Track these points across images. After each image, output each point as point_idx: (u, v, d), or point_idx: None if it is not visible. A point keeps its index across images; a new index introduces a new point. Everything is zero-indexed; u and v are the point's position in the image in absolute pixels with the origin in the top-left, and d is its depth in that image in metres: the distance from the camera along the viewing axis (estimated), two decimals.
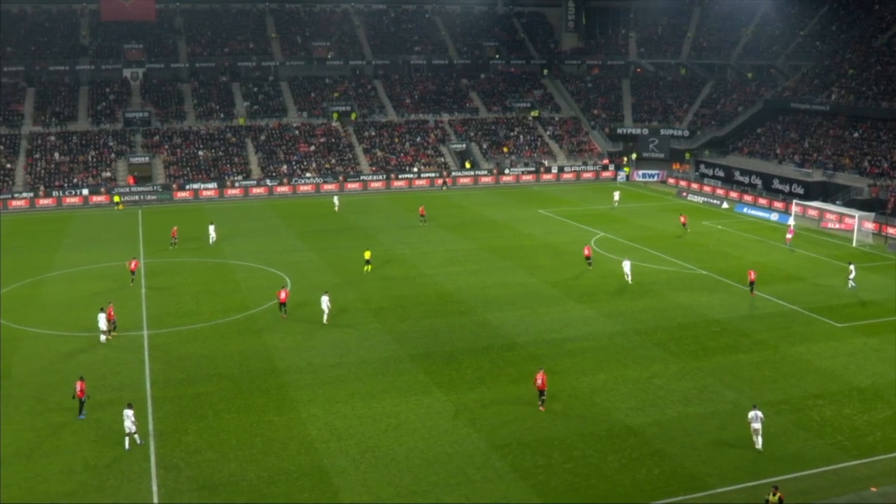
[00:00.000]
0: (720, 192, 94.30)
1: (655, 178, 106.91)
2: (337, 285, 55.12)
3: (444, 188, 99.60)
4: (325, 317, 47.60)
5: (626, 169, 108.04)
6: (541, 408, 36.16)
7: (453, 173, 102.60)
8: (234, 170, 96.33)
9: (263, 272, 58.73)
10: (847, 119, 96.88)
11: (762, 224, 79.05)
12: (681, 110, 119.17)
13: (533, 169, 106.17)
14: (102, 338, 44.29)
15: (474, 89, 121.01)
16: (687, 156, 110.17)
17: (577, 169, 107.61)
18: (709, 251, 66.33)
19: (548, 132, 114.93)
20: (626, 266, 56.55)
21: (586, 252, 61.16)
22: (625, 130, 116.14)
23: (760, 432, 32.91)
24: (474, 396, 37.50)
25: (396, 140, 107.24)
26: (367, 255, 59.94)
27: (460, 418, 35.30)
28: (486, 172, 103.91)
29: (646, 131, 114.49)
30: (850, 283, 55.65)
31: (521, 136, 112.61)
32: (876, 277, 58.66)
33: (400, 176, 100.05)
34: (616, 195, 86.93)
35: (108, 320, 44.77)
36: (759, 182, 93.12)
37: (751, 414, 33.17)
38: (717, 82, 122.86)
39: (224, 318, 48.41)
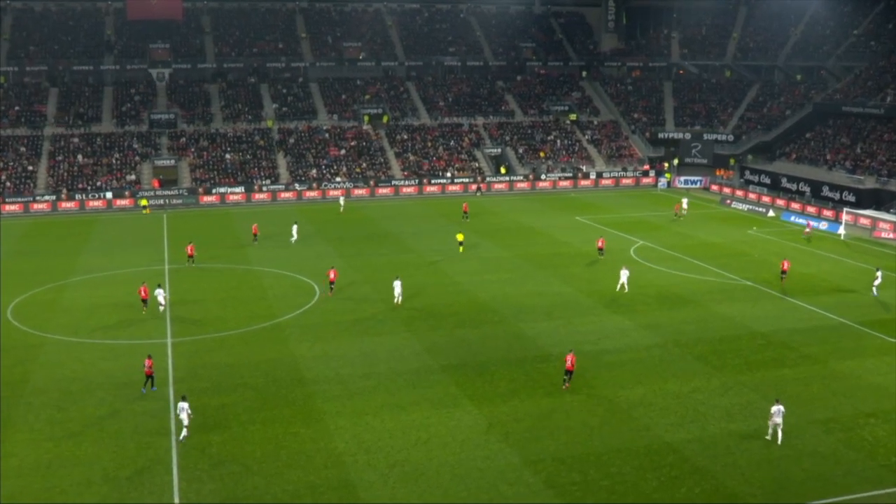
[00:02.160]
0: (766, 199, 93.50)
1: (698, 185, 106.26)
2: (367, 293, 55.24)
3: (479, 194, 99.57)
4: (397, 299, 52.69)
5: (667, 175, 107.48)
6: (564, 386, 39.56)
7: (488, 179, 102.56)
8: (262, 173, 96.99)
9: (291, 279, 58.98)
10: None
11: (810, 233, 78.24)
12: (725, 114, 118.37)
13: (570, 175, 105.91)
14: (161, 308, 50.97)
15: (510, 92, 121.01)
16: (731, 161, 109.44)
17: (617, 175, 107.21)
18: (753, 261, 65.71)
19: (586, 136, 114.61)
20: (624, 276, 56.21)
21: (599, 244, 65.31)
22: (666, 135, 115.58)
23: (781, 427, 34.09)
24: (507, 410, 37.40)
25: (429, 144, 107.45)
26: (461, 237, 68.44)
27: (493, 432, 35.21)
28: (521, 178, 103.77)
29: (688, 136, 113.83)
30: (874, 291, 55.44)
31: (559, 141, 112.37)
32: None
33: (433, 181, 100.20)
34: (684, 202, 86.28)
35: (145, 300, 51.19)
36: (807, 189, 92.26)
37: (773, 409, 34.28)
38: (764, 85, 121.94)
39: (250, 326, 48.67)
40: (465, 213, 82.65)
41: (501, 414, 36.96)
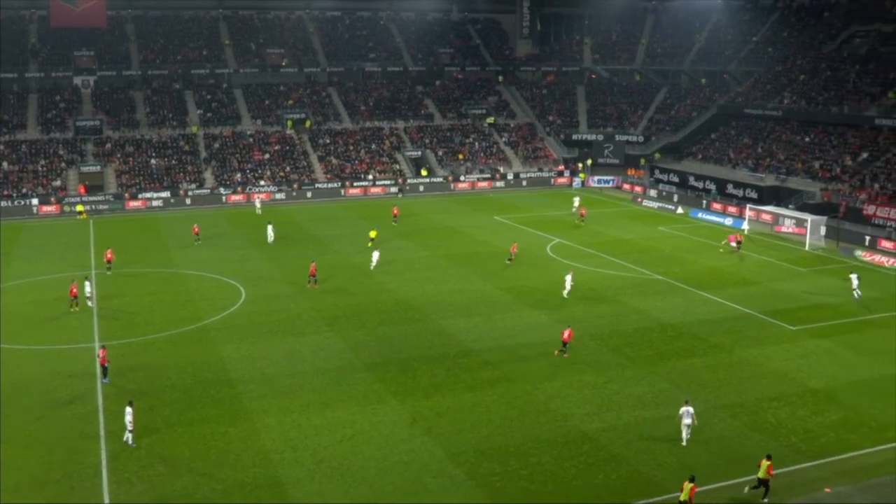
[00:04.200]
0: (675, 197, 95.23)
1: (611, 184, 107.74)
2: (289, 295, 54.82)
3: (400, 195, 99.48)
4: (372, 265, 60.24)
5: (581, 175, 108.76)
6: (556, 353, 43.25)
7: (409, 180, 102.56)
8: (188, 178, 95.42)
9: (216, 282, 58.18)
10: (798, 124, 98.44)
11: (717, 229, 79.95)
12: (635, 116, 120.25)
13: (489, 175, 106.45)
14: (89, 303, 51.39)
15: (429, 96, 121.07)
16: (642, 161, 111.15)
17: (533, 175, 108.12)
18: (664, 256, 66.91)
19: (503, 139, 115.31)
20: (568, 281, 55.30)
21: (512, 249, 65.05)
22: (580, 136, 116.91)
23: (690, 428, 33.74)
24: (430, 404, 37.44)
25: (351, 147, 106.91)
26: (373, 234, 68.57)
27: (416, 427, 35.21)
28: (441, 179, 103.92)
29: (601, 137, 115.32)
30: (855, 293, 55.05)
31: (477, 143, 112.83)
32: (828, 281, 59.56)
33: (355, 184, 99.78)
34: (576, 201, 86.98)
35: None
36: (713, 187, 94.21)
37: (682, 409, 33.89)
38: (672, 88, 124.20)
39: (177, 328, 47.84)
40: (395, 216, 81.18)
41: (424, 409, 36.98)
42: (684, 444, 33.61)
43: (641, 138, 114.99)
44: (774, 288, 57.51)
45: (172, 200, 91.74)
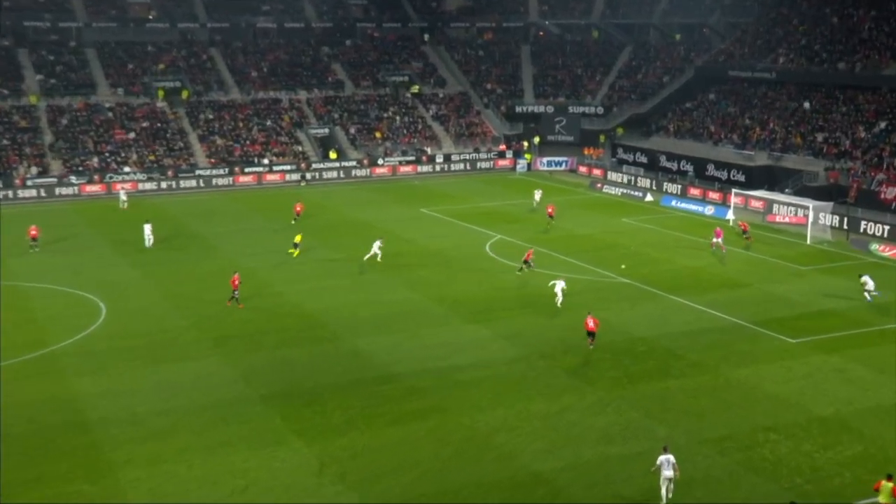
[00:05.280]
0: (643, 181, 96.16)
1: (563, 167, 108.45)
2: (164, 311, 53.93)
3: (303, 184, 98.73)
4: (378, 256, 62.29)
5: (527, 156, 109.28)
6: (590, 346, 46.94)
7: (314, 165, 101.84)
8: (26, 163, 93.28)
9: (67, 296, 56.94)
10: (797, 88, 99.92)
11: (694, 219, 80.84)
12: (593, 82, 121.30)
13: (413, 158, 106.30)
14: None
15: (338, 59, 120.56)
16: (601, 138, 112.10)
17: (468, 157, 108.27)
18: (630, 254, 67.34)
19: (430, 112, 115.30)
20: (559, 287, 54.07)
21: (527, 256, 61.70)
22: (525, 108, 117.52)
23: (673, 482, 32.14)
24: (343, 444, 36.97)
25: (241, 124, 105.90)
26: (299, 238, 66.47)
27: (326, 473, 34.72)
28: (355, 163, 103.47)
29: (551, 109, 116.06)
30: (868, 296, 55.49)
31: (398, 118, 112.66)
32: (836, 282, 60.44)
33: (247, 170, 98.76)
34: (537, 195, 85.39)
35: None
36: (690, 168, 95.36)
37: (660, 459, 32.41)
38: (638, 47, 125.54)
39: (14, 357, 46.56)
40: (298, 215, 78.76)
41: (336, 450, 36.49)
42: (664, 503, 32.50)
43: (601, 110, 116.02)
44: (768, 291, 58.18)
45: (4, 192, 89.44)
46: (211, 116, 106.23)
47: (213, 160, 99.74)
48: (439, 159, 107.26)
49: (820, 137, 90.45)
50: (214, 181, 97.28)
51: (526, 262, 60.89)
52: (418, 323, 51.70)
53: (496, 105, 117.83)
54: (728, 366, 45.23)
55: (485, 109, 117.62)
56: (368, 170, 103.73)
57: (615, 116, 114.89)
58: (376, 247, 64.25)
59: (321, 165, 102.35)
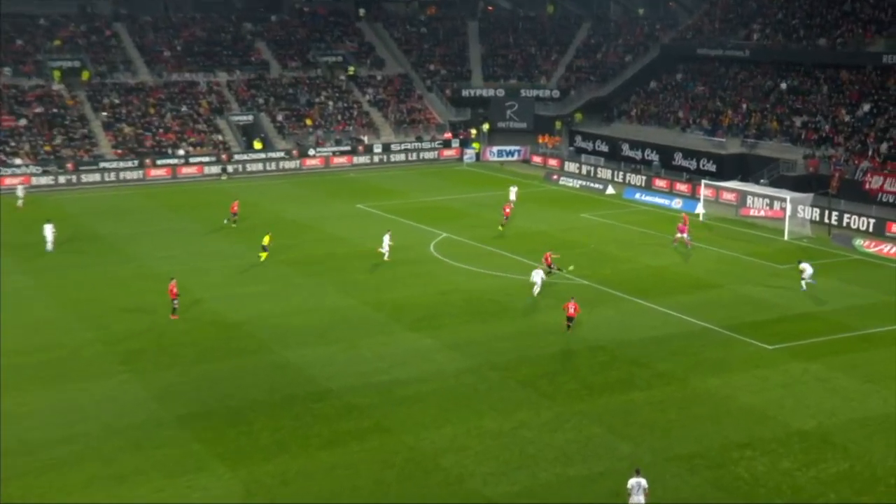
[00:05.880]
0: (603, 172, 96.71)
1: (515, 157, 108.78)
2: (65, 323, 53.37)
3: (224, 177, 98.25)
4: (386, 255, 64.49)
5: (475, 145, 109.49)
6: (567, 328, 50.71)
7: (236, 156, 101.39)
8: None
9: None
10: (773, 67, 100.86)
11: (661, 214, 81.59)
12: (548, 63, 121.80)
13: (348, 148, 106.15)
14: None
15: (263, 37, 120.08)
16: (557, 125, 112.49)
17: (409, 147, 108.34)
18: (589, 253, 67.79)
19: (367, 97, 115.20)
20: (537, 277, 57.08)
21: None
22: (473, 92, 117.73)
23: None
24: (272, 469, 36.84)
25: (152, 110, 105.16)
26: (267, 239, 65.60)
27: (254, 501, 34.64)
28: (283, 154, 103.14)
29: (501, 93, 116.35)
30: (803, 284, 57.85)
31: (331, 103, 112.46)
32: (818, 281, 61.16)
33: (159, 162, 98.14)
34: (513, 192, 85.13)
35: None
36: (655, 158, 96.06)
37: (631, 482, 32.64)
38: (597, 23, 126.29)
39: None
40: (235, 214, 77.85)
41: (264, 476, 36.37)
42: None
43: (557, 93, 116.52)
44: (742, 293, 58.88)
45: None
46: (117, 101, 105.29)
47: (119, 151, 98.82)
48: (377, 149, 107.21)
49: (798, 122, 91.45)
50: (122, 175, 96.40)
51: (549, 266, 60.94)
52: (355, 332, 51.65)
53: (440, 89, 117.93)
54: (698, 375, 45.62)
55: (428, 94, 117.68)
56: (298, 161, 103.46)
57: (572, 101, 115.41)
58: (386, 242, 65.39)
59: (244, 157, 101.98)
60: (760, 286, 60.10)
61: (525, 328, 52.18)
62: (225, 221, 77.05)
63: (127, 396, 43.59)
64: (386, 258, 65.02)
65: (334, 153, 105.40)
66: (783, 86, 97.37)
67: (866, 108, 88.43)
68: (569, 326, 50.77)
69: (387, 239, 65.48)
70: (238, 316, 54.44)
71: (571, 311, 50.62)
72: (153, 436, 39.72)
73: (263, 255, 65.71)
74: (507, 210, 76.35)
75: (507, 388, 44.33)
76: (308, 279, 61.77)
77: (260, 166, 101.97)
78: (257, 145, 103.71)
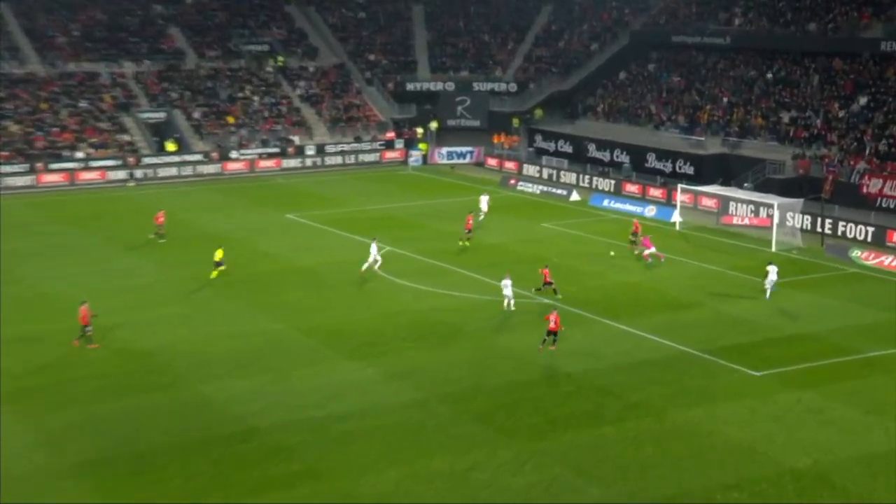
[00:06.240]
0: (567, 176, 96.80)
1: (467, 159, 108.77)
2: None
3: (132, 184, 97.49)
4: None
5: (421, 146, 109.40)
6: (551, 347, 51.30)
7: (146, 160, 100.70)
8: None
9: None
10: (757, 55, 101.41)
11: (632, 223, 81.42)
12: (504, 52, 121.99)
13: (277, 150, 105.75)
14: None
15: (176, 22, 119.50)
16: (515, 122, 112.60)
17: (347, 148, 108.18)
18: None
19: (299, 91, 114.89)
20: (508, 289, 57.82)
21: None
22: (419, 86, 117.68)
23: None
24: None
25: (45, 106, 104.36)
26: (220, 254, 65.14)
27: None
28: (200, 157, 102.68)
29: (451, 86, 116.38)
30: (767, 292, 58.97)
31: (257, 99, 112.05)
32: (809, 298, 61.46)
33: (53, 166, 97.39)
34: (484, 201, 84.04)
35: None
36: (626, 159, 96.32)
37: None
38: (559, 6, 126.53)
39: None
40: (160, 226, 76.83)
41: None
42: None
43: (514, 87, 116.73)
44: (725, 312, 59.01)
45: None
46: (1, 95, 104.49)
47: (5, 153, 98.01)
48: (310, 151, 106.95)
49: (786, 117, 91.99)
50: (7, 181, 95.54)
51: (547, 284, 61.08)
52: (285, 361, 51.26)
53: (382, 82, 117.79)
54: (677, 406, 45.53)
55: (367, 88, 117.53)
56: (219, 165, 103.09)
57: (532, 95, 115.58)
58: (374, 251, 65.39)
59: (155, 160, 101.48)
60: (746, 304, 60.24)
61: (480, 354, 51.95)
62: (151, 236, 76.31)
63: (9, 443, 42.49)
64: (377, 268, 65.56)
65: (260, 156, 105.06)
66: (769, 76, 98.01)
67: (863, 101, 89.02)
68: (553, 341, 51.54)
69: (374, 249, 65.68)
70: (148, 344, 53.76)
71: (553, 324, 51.02)
72: (42, 488, 38.83)
73: (216, 272, 65.69)
74: (470, 221, 75.39)
75: (460, 423, 44.07)
76: (231, 301, 61.40)
77: (174, 171, 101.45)
78: (170, 147, 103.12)
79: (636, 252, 70.65)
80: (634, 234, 72.09)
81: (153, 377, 49.40)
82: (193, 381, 48.78)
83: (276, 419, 44.37)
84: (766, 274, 60.36)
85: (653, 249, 68.79)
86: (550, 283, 60.86)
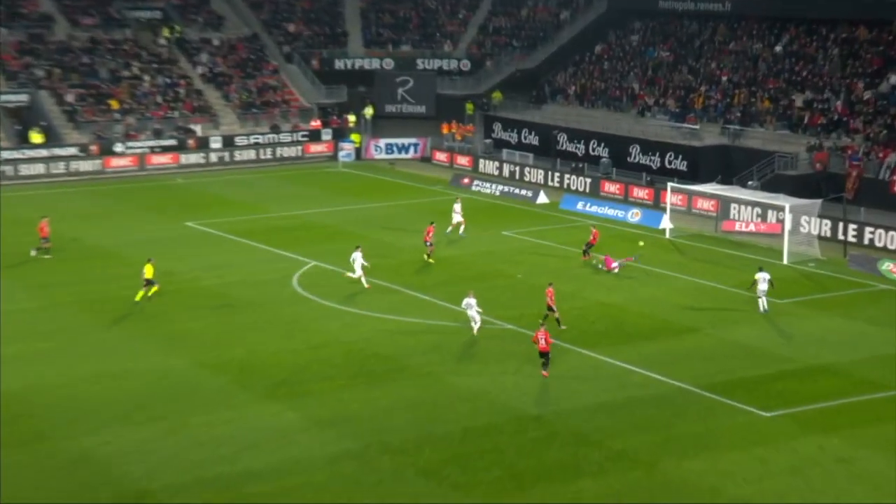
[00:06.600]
0: (533, 174, 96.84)
1: (411, 154, 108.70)
2: None
3: None
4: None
5: (354, 138, 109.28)
6: (543, 373, 52.40)
7: (4, 154, 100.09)
8: None
9: None
10: (762, 24, 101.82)
11: (613, 230, 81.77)
12: (454, 23, 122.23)
13: (174, 142, 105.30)
14: None
15: None
16: (469, 109, 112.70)
17: (262, 140, 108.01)
18: (515, 287, 67.66)
19: (201, 70, 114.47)
20: (472, 309, 57.76)
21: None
22: (350, 63, 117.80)
23: None
24: None
25: None
26: (150, 271, 64.65)
27: None
28: (75, 151, 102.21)
29: (390, 64, 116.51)
30: (761, 304, 60.12)
31: (148, 78, 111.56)
32: (830, 321, 61.69)
33: None
34: (457, 209, 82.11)
35: None
36: (604, 153, 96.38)
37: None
38: None
39: None
40: (45, 239, 76.39)
41: None
42: None
43: (467, 65, 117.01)
44: (727, 339, 58.99)
45: None
46: None
47: None
48: (216, 144, 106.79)
49: (799, 100, 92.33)
50: None
51: (550, 308, 60.24)
52: (185, 406, 50.70)
53: (305, 59, 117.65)
54: (670, 456, 45.33)
55: (287, 65, 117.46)
56: (99, 161, 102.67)
57: (489, 75, 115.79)
58: (359, 262, 66.19)
59: (16, 154, 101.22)
60: (753, 329, 60.38)
61: (429, 394, 51.61)
62: (33, 253, 75.87)
63: None
64: (365, 284, 66.33)
65: (153, 149, 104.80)
66: (777, 50, 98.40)
67: (892, 79, 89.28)
68: (544, 364, 52.64)
69: (359, 257, 66.22)
70: (9, 387, 52.98)
71: (543, 343, 51.84)
72: None
73: (153, 289, 65.44)
74: (430, 233, 74.49)
75: (404, 479, 43.84)
76: (115, 331, 61.06)
77: (41, 168, 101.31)
78: (36, 138, 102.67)
79: (598, 265, 71.29)
80: (590, 244, 72.66)
81: (17, 428, 48.61)
82: (67, 433, 48.01)
83: (174, 479, 43.80)
84: (753, 283, 60.93)
85: (616, 265, 69.38)
86: (553, 310, 60.02)
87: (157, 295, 64.97)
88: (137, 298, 64.88)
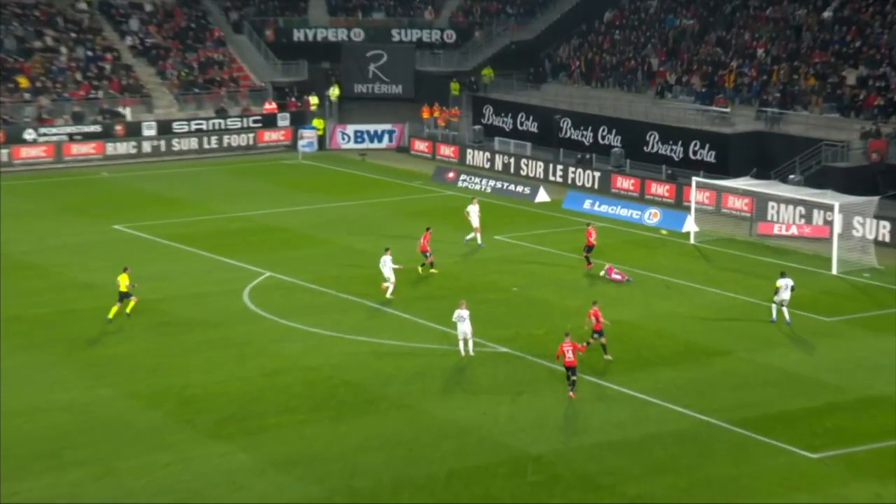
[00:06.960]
0: (530, 166, 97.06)
1: (385, 143, 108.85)
2: None
3: None
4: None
5: (316, 123, 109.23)
6: (570, 393, 53.60)
7: None
8: None
9: None
10: None
11: (626, 234, 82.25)
12: None
13: (98, 129, 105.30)
14: None
15: None
16: (454, 89, 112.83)
17: (206, 126, 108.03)
18: (510, 301, 67.92)
19: (129, 41, 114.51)
20: (464, 322, 58.10)
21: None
22: (311, 34, 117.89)
23: None
24: None
25: None
26: (124, 281, 65.23)
27: None
28: None
29: (359, 35, 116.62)
30: (785, 314, 60.93)
31: (65, 50, 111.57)
32: (888, 343, 61.72)
33: None
34: (473, 211, 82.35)
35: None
36: (616, 141, 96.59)
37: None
38: None
39: None
40: None
41: None
42: None
43: (451, 36, 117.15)
44: (763, 363, 59.23)
45: None
46: None
47: None
48: (149, 131, 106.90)
49: (852, 77, 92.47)
50: None
51: (597, 331, 60.15)
52: (114, 446, 50.62)
53: (257, 28, 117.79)
54: None
55: (236, 36, 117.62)
56: (5, 151, 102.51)
57: (478, 48, 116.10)
58: (389, 268, 67.58)
59: None
60: (794, 353, 60.65)
61: (408, 430, 51.74)
62: None
63: None
64: (389, 294, 67.74)
65: (72, 137, 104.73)
66: (825, 15, 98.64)
67: None
68: (572, 382, 53.63)
69: (388, 262, 67.32)
70: None
71: (570, 356, 53.03)
72: None
73: (130, 303, 65.98)
74: (426, 240, 74.53)
75: None
76: (26, 356, 61.03)
77: None
78: None
79: (600, 272, 72.08)
80: (588, 247, 73.32)
81: None
82: None
83: None
84: (775, 290, 61.37)
85: (618, 278, 70.23)
86: (601, 332, 59.95)
87: (118, 316, 65.04)
88: (111, 316, 65.09)
